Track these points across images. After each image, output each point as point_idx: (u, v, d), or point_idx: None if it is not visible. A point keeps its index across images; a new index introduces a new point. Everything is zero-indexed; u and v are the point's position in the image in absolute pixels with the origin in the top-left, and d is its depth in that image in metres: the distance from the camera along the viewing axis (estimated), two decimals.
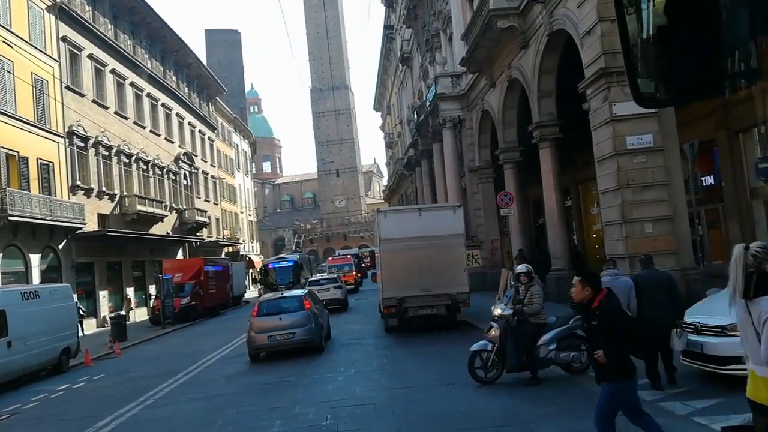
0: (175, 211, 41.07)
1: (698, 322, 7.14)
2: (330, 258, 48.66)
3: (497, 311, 8.97)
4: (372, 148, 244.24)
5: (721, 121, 16.47)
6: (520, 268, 9.36)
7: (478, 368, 8.70)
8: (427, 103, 29.15)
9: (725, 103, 15.52)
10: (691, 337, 7.16)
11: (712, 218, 17.57)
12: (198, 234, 44.34)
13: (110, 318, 24.21)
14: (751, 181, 15.70)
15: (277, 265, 37.44)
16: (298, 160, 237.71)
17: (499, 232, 25.56)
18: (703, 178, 17.18)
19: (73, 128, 28.63)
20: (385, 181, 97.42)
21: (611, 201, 13.19)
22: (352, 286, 36.98)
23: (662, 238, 12.60)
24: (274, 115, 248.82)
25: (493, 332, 8.72)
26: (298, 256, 41.54)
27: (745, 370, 6.52)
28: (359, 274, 42.97)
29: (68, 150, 28.36)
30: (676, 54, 1.86)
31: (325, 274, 33.92)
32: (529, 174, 23.30)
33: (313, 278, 30.23)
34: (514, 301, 9.09)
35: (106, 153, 31.95)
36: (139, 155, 35.60)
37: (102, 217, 31.29)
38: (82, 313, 26.13)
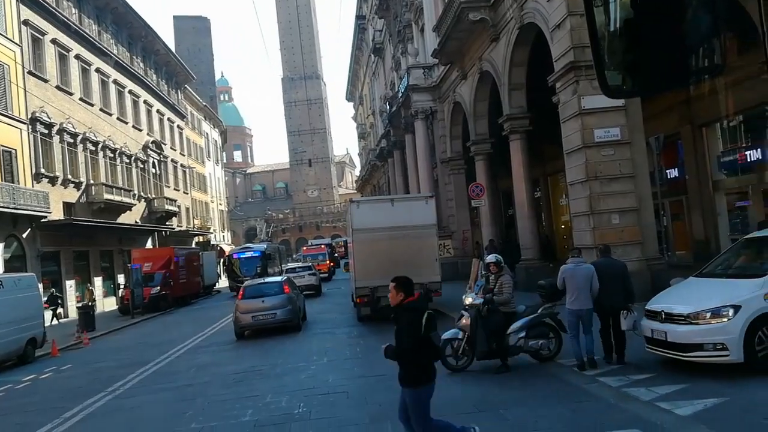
0: (143, 200, 40.41)
1: (663, 311, 7.36)
2: (304, 247, 49.99)
3: (468, 300, 9.09)
4: (344, 138, 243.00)
5: (685, 116, 16.87)
6: (490, 258, 9.49)
7: (449, 356, 8.82)
8: (399, 94, 29.18)
9: (689, 97, 15.94)
10: (656, 325, 7.38)
11: (676, 210, 18.05)
12: (168, 223, 43.70)
13: (77, 308, 23.79)
14: (713, 174, 16.16)
15: (242, 256, 34.52)
16: (270, 150, 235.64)
17: (470, 223, 25.81)
18: (667, 171, 17.62)
19: (36, 115, 27.89)
20: (357, 172, 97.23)
21: (579, 192, 13.44)
22: (326, 275, 38.18)
23: (628, 229, 12.91)
24: (245, 104, 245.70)
25: (464, 321, 8.85)
26: (265, 246, 38.40)
27: (707, 357, 6.79)
28: (332, 263, 43.44)
29: (31, 137, 27.61)
30: (643, 47, 1.93)
31: (300, 263, 35.48)
32: (499, 166, 23.56)
33: (289, 266, 31.21)
34: (485, 290, 9.23)
35: (71, 140, 31.20)
36: (106, 143, 34.86)
37: (68, 206, 30.61)
38: (59, 302, 25.81)
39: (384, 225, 14.40)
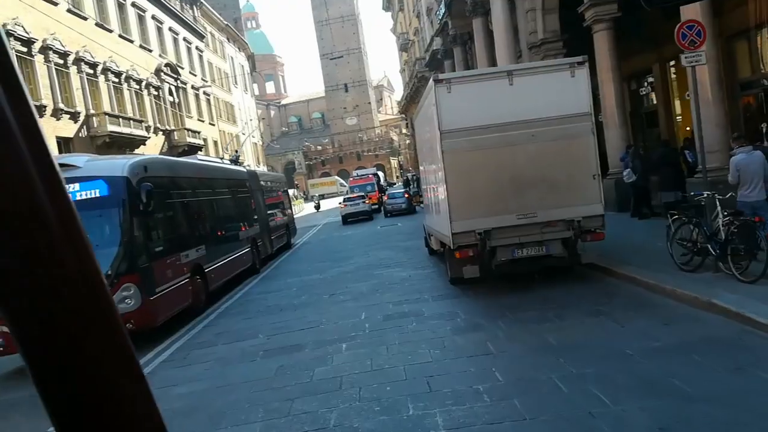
0: (161, 132, 34.92)
1: None
2: (351, 178, 44.78)
3: None
4: (381, 61, 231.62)
5: None
6: None
7: None
8: None
9: None
10: None
11: None
12: None
13: None
14: None
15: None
16: (303, 78, 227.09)
17: None
18: None
19: (9, 27, 22.09)
20: (397, 96, 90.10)
21: None
22: (376, 206, 35.12)
23: None
24: (274, 31, 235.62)
25: None
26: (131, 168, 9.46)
27: None
28: (380, 194, 38.41)
29: None
30: None
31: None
32: (625, 40, 16.36)
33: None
34: None
35: (61, 61, 25.50)
36: (107, 65, 29.05)
37: (65, 141, 25.38)
38: None
39: (498, 120, 8.06)
